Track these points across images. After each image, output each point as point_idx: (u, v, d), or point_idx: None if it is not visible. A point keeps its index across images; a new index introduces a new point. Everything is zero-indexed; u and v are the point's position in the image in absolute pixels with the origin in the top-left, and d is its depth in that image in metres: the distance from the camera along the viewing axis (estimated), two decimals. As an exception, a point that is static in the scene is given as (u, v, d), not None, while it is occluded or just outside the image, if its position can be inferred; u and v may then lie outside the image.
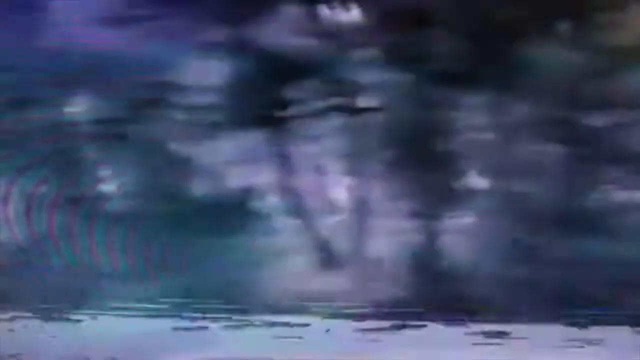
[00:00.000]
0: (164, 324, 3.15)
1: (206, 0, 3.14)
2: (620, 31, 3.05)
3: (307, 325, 3.11)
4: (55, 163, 3.23)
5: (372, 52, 3.13)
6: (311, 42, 3.14)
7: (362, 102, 3.15)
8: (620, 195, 3.08)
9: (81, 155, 3.23)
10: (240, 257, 3.16)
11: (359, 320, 3.11)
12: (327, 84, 3.15)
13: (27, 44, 3.21)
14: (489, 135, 3.11)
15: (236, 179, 3.19)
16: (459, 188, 3.13)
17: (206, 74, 3.18)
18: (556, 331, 3.05)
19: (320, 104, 3.16)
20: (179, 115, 3.19)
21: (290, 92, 3.17)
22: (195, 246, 3.17)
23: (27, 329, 3.17)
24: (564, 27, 3.08)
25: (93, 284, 3.19)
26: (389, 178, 3.15)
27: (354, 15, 3.14)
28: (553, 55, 3.07)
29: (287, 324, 3.11)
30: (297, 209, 3.18)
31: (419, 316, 3.08)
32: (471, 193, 3.13)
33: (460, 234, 3.13)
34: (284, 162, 3.17)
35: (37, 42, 3.21)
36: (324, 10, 3.15)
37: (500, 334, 3.05)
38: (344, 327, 3.12)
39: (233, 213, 3.19)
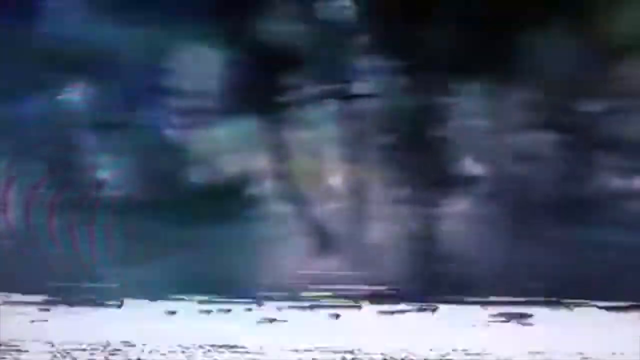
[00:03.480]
0: (162, 310, 3.17)
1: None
2: (615, 20, 3.06)
3: (305, 308, 3.14)
4: (52, 150, 3.24)
5: (367, 39, 3.13)
6: (306, 30, 3.15)
7: (357, 88, 3.16)
8: (616, 182, 3.09)
9: (78, 143, 3.24)
10: (238, 243, 3.18)
11: (357, 305, 3.13)
12: (322, 71, 3.16)
13: (26, 34, 3.22)
14: (484, 122, 3.12)
15: (232, 166, 3.20)
16: (455, 174, 3.14)
17: (202, 61, 3.18)
18: (550, 313, 3.08)
19: (316, 91, 3.17)
20: (176, 103, 3.20)
21: (285, 79, 3.17)
22: (192, 232, 3.18)
23: (30, 316, 3.19)
24: (560, 15, 3.08)
25: (91, 271, 3.21)
26: (385, 164, 3.16)
27: (349, 2, 3.14)
28: (549, 43, 3.07)
29: (284, 308, 3.13)
30: (294, 195, 3.19)
31: (415, 298, 3.11)
32: (467, 179, 3.14)
33: (456, 219, 3.14)
34: (280, 148, 3.18)
35: (35, 32, 3.22)
36: (319, -2, 3.16)
37: (496, 316, 3.08)
38: (341, 311, 3.13)
39: (230, 199, 3.20)
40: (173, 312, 3.17)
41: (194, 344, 3.05)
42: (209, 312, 3.16)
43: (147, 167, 3.22)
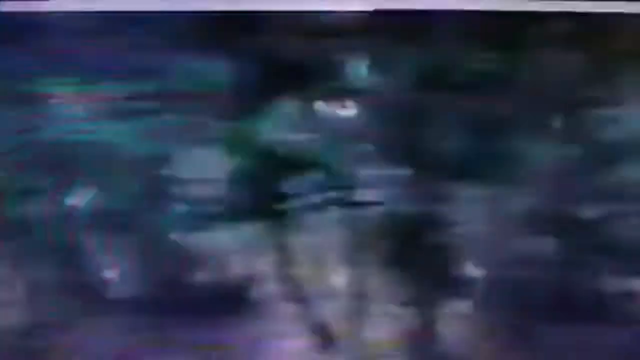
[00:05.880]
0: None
1: (206, 97, 3.18)
2: (614, 125, 3.11)
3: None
4: (55, 253, 3.26)
5: (369, 147, 3.17)
6: (309, 137, 3.18)
7: (360, 196, 3.19)
8: (617, 285, 3.13)
9: (82, 245, 3.26)
10: (241, 341, 3.21)
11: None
12: (325, 179, 3.19)
13: (27, 135, 3.24)
14: (486, 227, 3.16)
15: (236, 268, 3.23)
16: (456, 277, 3.18)
17: (206, 167, 3.21)
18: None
19: (319, 198, 3.20)
20: (179, 207, 3.23)
21: (288, 185, 3.20)
22: (197, 332, 3.21)
23: None
24: (559, 121, 3.13)
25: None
26: (387, 268, 3.19)
27: (351, 109, 3.18)
28: (548, 148, 3.12)
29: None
30: (296, 296, 3.22)
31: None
32: (468, 282, 3.18)
33: (458, 322, 3.18)
34: (283, 252, 3.21)
35: (36, 134, 3.24)
36: (321, 105, 3.18)
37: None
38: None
39: (233, 300, 3.23)
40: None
41: None
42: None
43: (151, 269, 3.25)
